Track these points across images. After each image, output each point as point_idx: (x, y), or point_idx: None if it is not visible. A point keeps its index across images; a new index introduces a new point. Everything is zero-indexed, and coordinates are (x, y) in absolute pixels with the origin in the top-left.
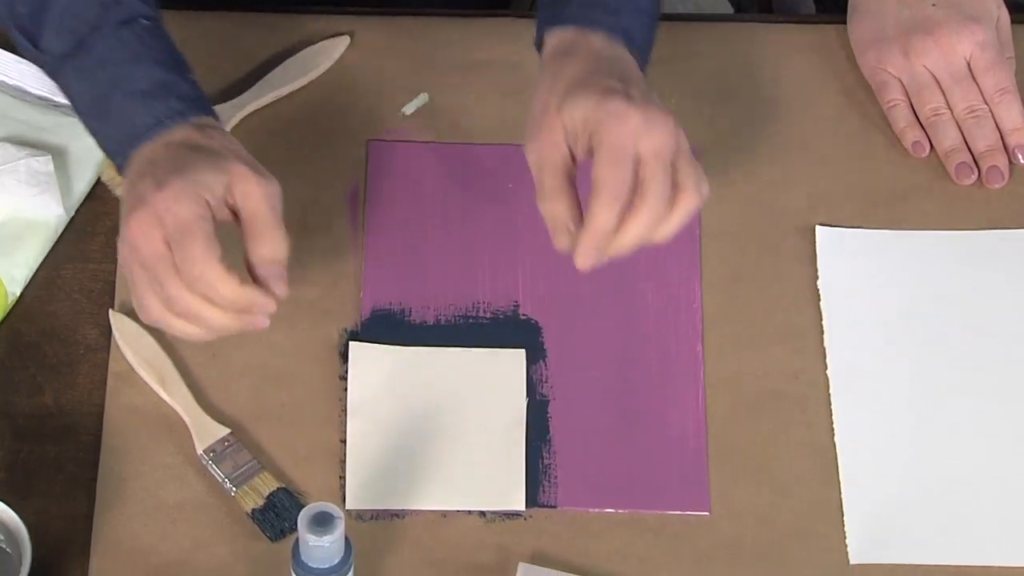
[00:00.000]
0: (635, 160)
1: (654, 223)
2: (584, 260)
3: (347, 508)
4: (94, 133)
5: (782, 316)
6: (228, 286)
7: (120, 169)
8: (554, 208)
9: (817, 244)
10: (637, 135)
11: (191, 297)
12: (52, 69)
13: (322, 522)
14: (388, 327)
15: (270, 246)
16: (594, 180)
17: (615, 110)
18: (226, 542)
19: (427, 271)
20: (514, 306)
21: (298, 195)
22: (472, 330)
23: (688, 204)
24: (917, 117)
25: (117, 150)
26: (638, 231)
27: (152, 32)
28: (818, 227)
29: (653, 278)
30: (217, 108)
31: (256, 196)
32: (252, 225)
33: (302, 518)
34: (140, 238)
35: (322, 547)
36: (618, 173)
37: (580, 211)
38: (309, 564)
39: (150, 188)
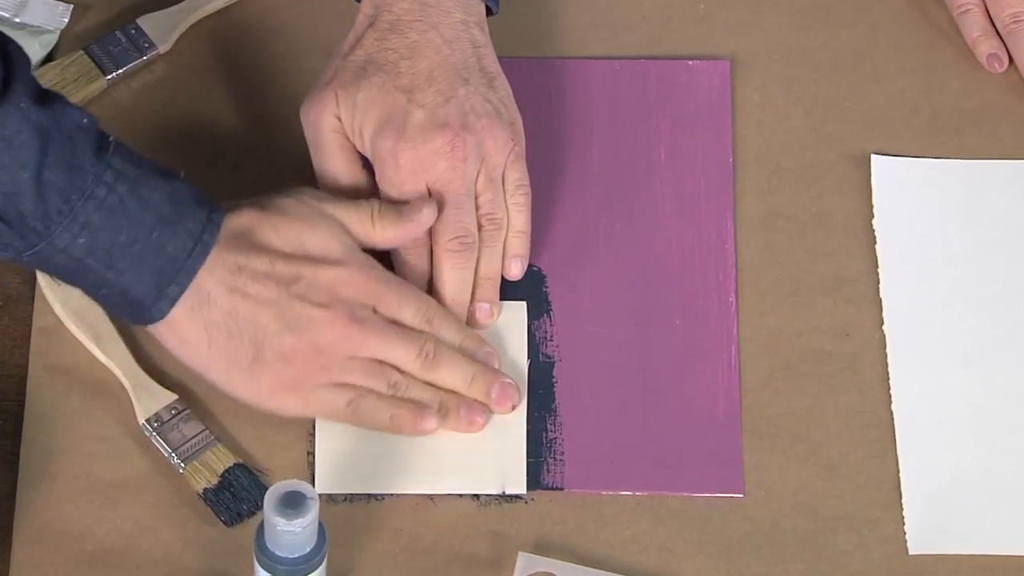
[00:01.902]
0: (425, 194)
1: (449, 274)
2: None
3: (317, 490)
4: (104, 287)
5: (830, 262)
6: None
7: (155, 316)
8: (331, 175)
9: (872, 176)
10: (415, 176)
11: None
12: (32, 241)
13: (293, 503)
14: None
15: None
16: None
17: (385, 153)
18: (173, 527)
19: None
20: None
21: (259, 118)
22: None
23: (488, 238)
24: (993, 24)
25: (151, 294)
26: (440, 287)
27: (124, 146)
28: (873, 156)
29: (677, 217)
30: (158, 15)
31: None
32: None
33: (270, 498)
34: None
35: (292, 532)
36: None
37: (365, 175)
38: (276, 553)
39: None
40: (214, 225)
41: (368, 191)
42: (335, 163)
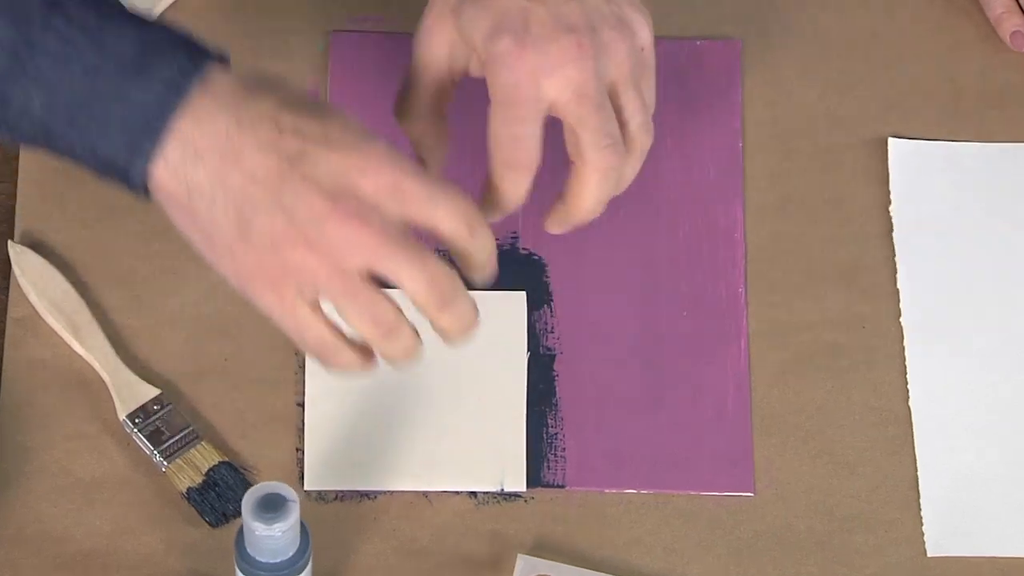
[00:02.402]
0: (542, 110)
1: (601, 180)
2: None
3: (306, 488)
4: (78, 150)
5: (844, 250)
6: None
7: (135, 179)
8: (415, 128)
9: (889, 160)
10: (535, 80)
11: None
12: None
13: (271, 506)
14: None
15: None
16: (490, 140)
17: (503, 53)
18: (155, 528)
19: None
20: (512, 238)
21: None
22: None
23: (633, 154)
24: (1017, 0)
25: (123, 152)
26: (577, 202)
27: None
28: (891, 139)
29: (684, 204)
30: None
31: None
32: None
33: (247, 502)
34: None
35: (272, 537)
36: (513, 132)
37: (444, 137)
38: (256, 558)
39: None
40: (197, 70)
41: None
42: (420, 96)
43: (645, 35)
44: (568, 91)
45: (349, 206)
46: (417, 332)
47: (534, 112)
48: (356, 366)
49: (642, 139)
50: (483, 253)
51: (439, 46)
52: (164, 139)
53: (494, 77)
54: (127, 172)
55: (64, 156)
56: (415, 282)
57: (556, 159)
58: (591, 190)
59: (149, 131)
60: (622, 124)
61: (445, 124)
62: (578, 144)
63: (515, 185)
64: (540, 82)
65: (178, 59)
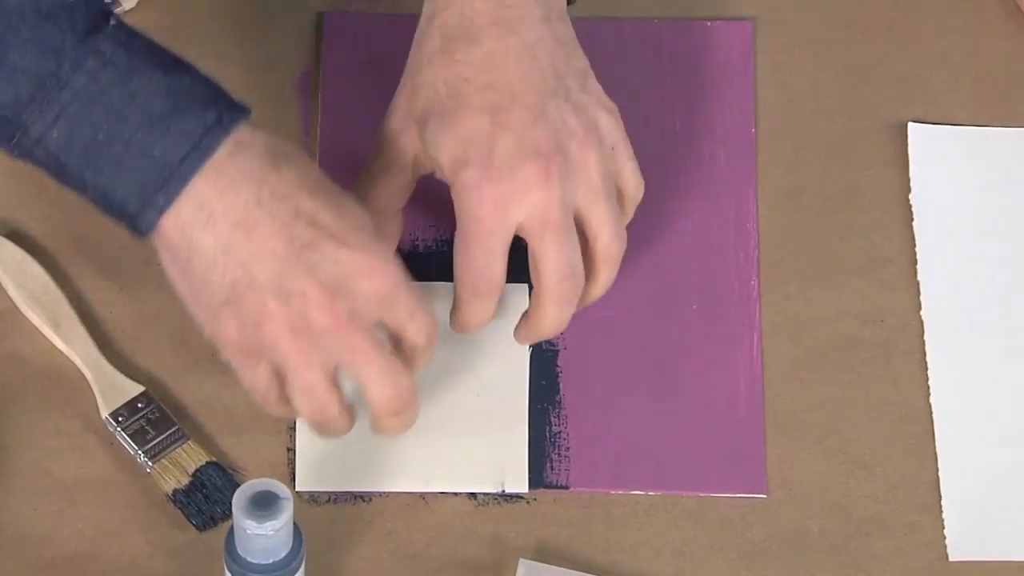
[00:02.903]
0: (507, 239)
1: (560, 308)
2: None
3: (297, 489)
4: (88, 189)
5: (862, 240)
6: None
7: (142, 228)
8: (374, 201)
9: (909, 146)
10: (501, 210)
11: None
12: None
13: (264, 504)
14: None
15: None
16: (456, 267)
17: (468, 185)
18: (140, 531)
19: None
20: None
21: (233, 82)
22: None
23: (606, 264)
24: None
25: (135, 201)
26: (539, 322)
27: (128, 30)
28: (911, 124)
29: (694, 193)
30: None
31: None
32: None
33: (239, 499)
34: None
35: (264, 536)
36: (478, 264)
37: (398, 228)
38: (247, 559)
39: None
40: (221, 129)
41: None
42: (386, 190)
43: (614, 133)
44: (534, 218)
45: (343, 305)
46: (351, 418)
47: (500, 242)
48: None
49: (614, 249)
50: (428, 360)
51: (403, 153)
52: (180, 197)
53: (460, 205)
54: (135, 220)
55: (72, 189)
56: (381, 392)
57: None
58: (550, 315)
59: (166, 188)
60: (593, 238)
61: (400, 217)
62: (538, 273)
63: (481, 310)
64: (506, 211)
65: (207, 115)
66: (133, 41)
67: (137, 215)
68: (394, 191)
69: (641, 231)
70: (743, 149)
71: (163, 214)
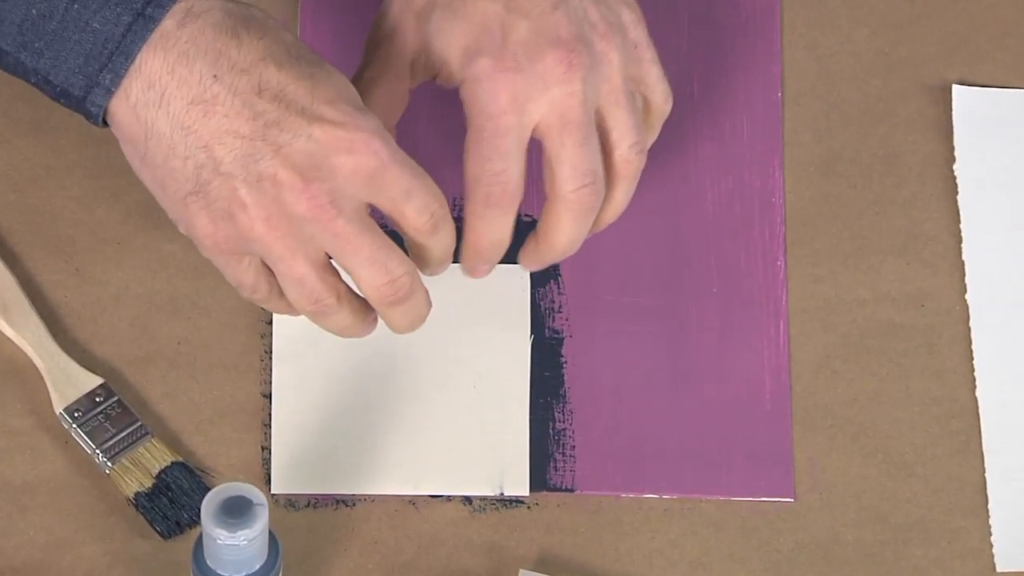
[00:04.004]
0: (525, 138)
1: (576, 221)
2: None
3: (273, 492)
4: (30, 75)
5: (901, 216)
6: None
7: (92, 112)
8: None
9: (953, 111)
10: (518, 106)
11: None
12: None
13: (237, 510)
14: None
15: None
16: (467, 175)
17: (481, 77)
18: (98, 539)
19: None
20: None
21: None
22: (457, 240)
23: (624, 180)
24: None
25: (79, 83)
26: (550, 241)
27: None
28: (955, 87)
29: (714, 163)
30: None
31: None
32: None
33: (208, 506)
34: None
35: (237, 547)
36: (494, 168)
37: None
38: (218, 571)
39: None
40: None
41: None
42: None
43: (637, 31)
44: (553, 115)
45: (322, 188)
46: (357, 308)
47: (516, 142)
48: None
49: (634, 162)
50: (441, 252)
51: (400, 54)
52: (127, 74)
53: (471, 102)
54: (83, 103)
55: (17, 77)
56: (374, 280)
57: None
58: (565, 230)
59: (112, 65)
60: (611, 148)
61: (394, 134)
62: (554, 179)
63: (499, 225)
64: (524, 106)
65: None
66: None
67: (84, 98)
68: (389, 102)
69: (656, 206)
70: (768, 115)
71: (112, 95)
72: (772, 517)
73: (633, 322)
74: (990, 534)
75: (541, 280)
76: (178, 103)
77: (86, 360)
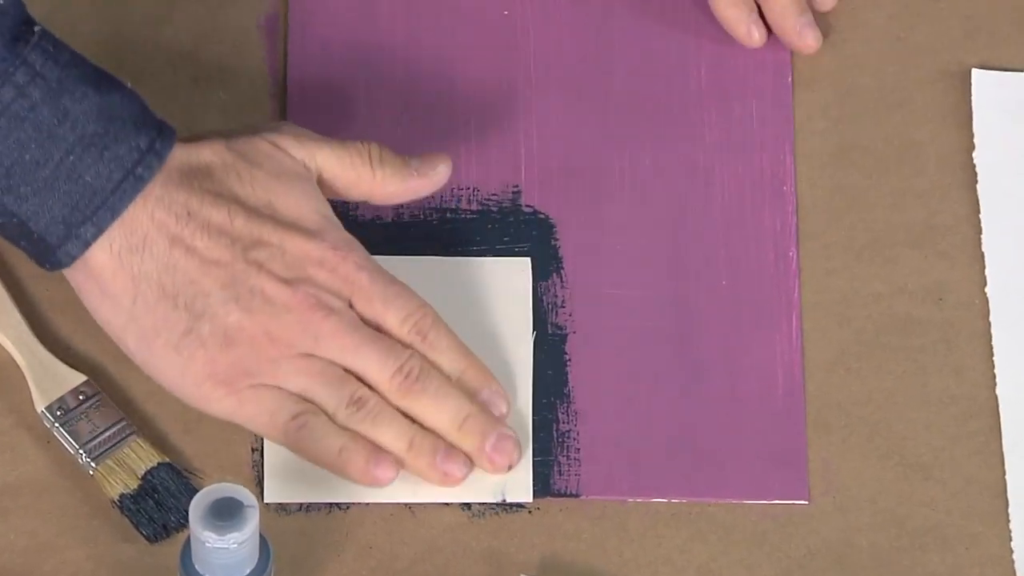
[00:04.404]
0: None
1: None
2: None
3: (266, 501)
4: (3, 214)
5: (918, 206)
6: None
7: (61, 260)
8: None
9: (973, 97)
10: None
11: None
12: None
13: (226, 512)
14: None
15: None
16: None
17: None
18: (81, 543)
19: (381, 139)
20: (513, 193)
21: (192, 24)
22: (451, 229)
23: None
24: None
25: (58, 231)
26: None
27: (53, 39)
28: (975, 72)
29: (722, 150)
30: None
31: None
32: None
33: (196, 507)
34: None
35: (226, 550)
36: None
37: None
38: None
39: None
40: (155, 156)
41: None
42: None
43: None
44: None
45: (310, 296)
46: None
47: None
48: (360, 462)
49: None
50: (443, 355)
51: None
52: (107, 225)
53: None
54: (55, 253)
55: None
56: (384, 371)
57: (567, 111)
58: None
59: (96, 218)
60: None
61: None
62: None
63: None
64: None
65: (140, 140)
66: (61, 52)
67: (58, 247)
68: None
69: (662, 195)
70: (779, 100)
71: (88, 247)
72: (784, 521)
73: (639, 317)
74: (1010, 539)
75: (543, 273)
76: (160, 245)
77: (69, 356)
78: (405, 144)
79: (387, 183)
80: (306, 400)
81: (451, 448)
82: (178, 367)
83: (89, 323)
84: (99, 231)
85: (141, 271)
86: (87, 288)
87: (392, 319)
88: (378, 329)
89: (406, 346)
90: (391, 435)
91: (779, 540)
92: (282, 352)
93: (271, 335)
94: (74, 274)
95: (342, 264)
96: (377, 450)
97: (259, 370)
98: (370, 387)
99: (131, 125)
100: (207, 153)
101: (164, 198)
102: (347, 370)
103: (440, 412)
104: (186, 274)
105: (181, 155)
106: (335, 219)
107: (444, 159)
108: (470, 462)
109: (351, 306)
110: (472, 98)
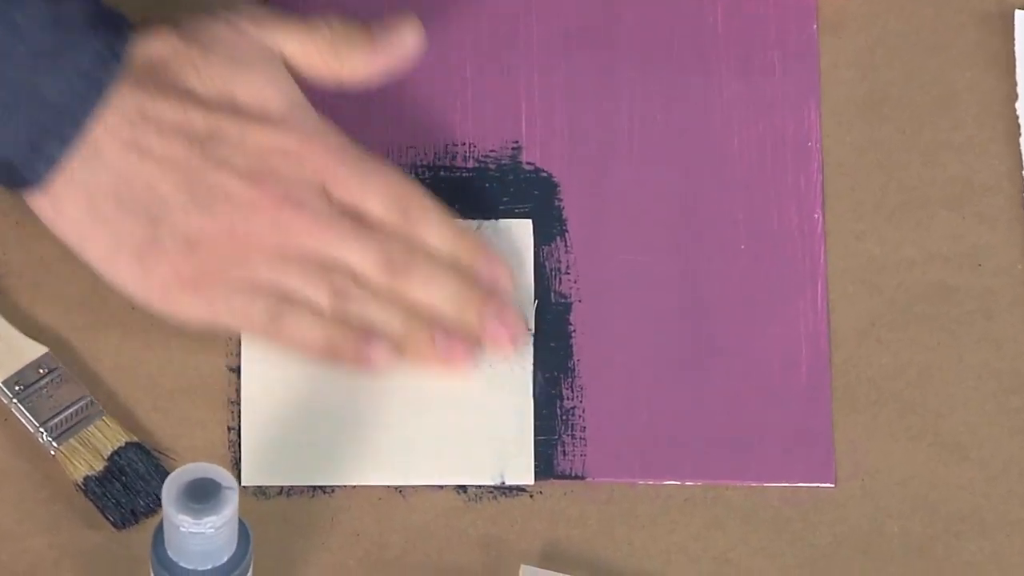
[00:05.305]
0: None
1: None
2: None
3: (244, 484)
4: None
5: (955, 163)
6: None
7: (28, 179)
8: None
9: (1016, 42)
10: None
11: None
12: None
13: (202, 495)
14: None
15: None
16: None
17: None
18: (42, 530)
19: (370, 95)
20: (513, 149)
21: None
22: (445, 189)
23: None
24: None
25: (21, 149)
26: None
27: None
28: (1018, 12)
29: (741, 104)
30: None
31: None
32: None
33: (170, 489)
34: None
35: (202, 535)
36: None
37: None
38: (180, 564)
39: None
40: (114, 58)
41: None
42: None
43: None
44: None
45: (277, 191)
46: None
47: None
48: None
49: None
50: (433, 235)
51: None
52: (73, 139)
53: None
54: (21, 173)
55: None
56: (368, 258)
57: (572, 64)
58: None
59: (62, 131)
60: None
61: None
62: None
63: None
64: None
65: (96, 41)
66: None
67: (24, 167)
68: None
69: (676, 153)
70: (802, 50)
71: (53, 164)
72: (808, 507)
73: (650, 284)
74: None
75: (546, 237)
76: (113, 153)
77: (28, 326)
78: (408, 92)
79: (354, 63)
80: (283, 294)
81: (453, 330)
82: (142, 278)
83: (50, 290)
84: (65, 145)
85: (96, 185)
86: (46, 210)
87: (372, 202)
88: (358, 214)
89: (390, 229)
90: (381, 322)
91: (802, 527)
92: (252, 252)
93: (237, 236)
94: (33, 198)
95: (310, 152)
96: (368, 331)
97: (228, 271)
98: (355, 279)
99: (88, 28)
100: (157, 46)
101: (115, 102)
102: (328, 264)
103: (432, 292)
104: (142, 180)
105: (134, 53)
106: (304, 102)
107: (411, 26)
108: (475, 341)
109: (327, 195)
110: (467, 45)
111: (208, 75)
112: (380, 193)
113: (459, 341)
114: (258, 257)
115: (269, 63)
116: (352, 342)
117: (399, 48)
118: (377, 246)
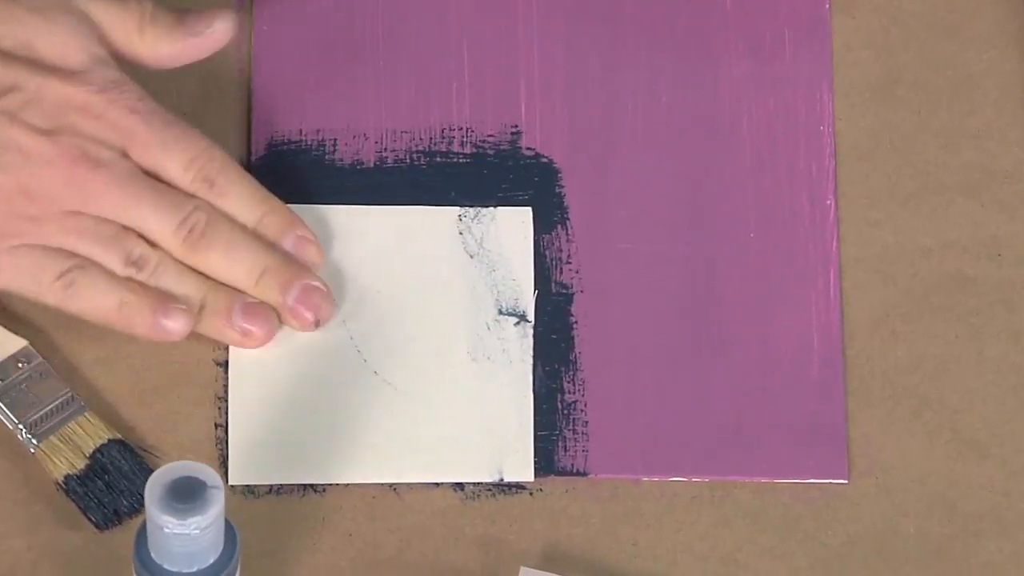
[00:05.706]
0: None
1: None
2: None
3: (231, 483)
4: None
5: (974, 148)
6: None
7: None
8: None
9: None
10: None
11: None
12: None
13: (187, 494)
14: (296, 172)
15: None
16: None
17: None
18: (21, 531)
19: (362, 77)
20: (513, 134)
21: None
22: (442, 176)
23: None
24: None
25: None
26: None
27: None
28: None
29: (750, 84)
30: None
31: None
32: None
33: (153, 488)
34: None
35: (187, 536)
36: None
37: None
38: (164, 566)
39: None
40: None
41: None
42: None
43: None
44: None
45: (73, 147)
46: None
47: None
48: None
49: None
50: (235, 203)
51: None
52: None
53: None
54: None
55: None
56: (166, 225)
57: (572, 41)
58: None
59: None
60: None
61: None
62: None
63: None
64: None
65: None
66: None
67: None
68: None
69: (682, 137)
70: (814, 26)
71: None
72: (820, 505)
73: (655, 274)
74: None
75: (547, 225)
76: None
77: (6, 319)
78: (403, 75)
79: (158, 44)
80: (76, 256)
81: (252, 303)
82: None
83: None
84: None
85: None
86: None
87: (173, 166)
88: (159, 179)
89: (191, 196)
90: (179, 294)
91: (814, 526)
92: (44, 211)
93: (29, 193)
94: None
95: (110, 108)
96: (164, 298)
97: (17, 231)
98: (153, 245)
99: None
100: None
101: None
102: (125, 228)
103: (233, 265)
104: None
105: None
106: (108, 58)
107: (224, 16)
108: (275, 318)
109: (127, 155)
110: (464, 24)
111: (7, 23)
112: (183, 157)
113: (258, 318)
114: (50, 217)
115: (73, 15)
116: (147, 311)
117: (209, 37)
118: (176, 212)
